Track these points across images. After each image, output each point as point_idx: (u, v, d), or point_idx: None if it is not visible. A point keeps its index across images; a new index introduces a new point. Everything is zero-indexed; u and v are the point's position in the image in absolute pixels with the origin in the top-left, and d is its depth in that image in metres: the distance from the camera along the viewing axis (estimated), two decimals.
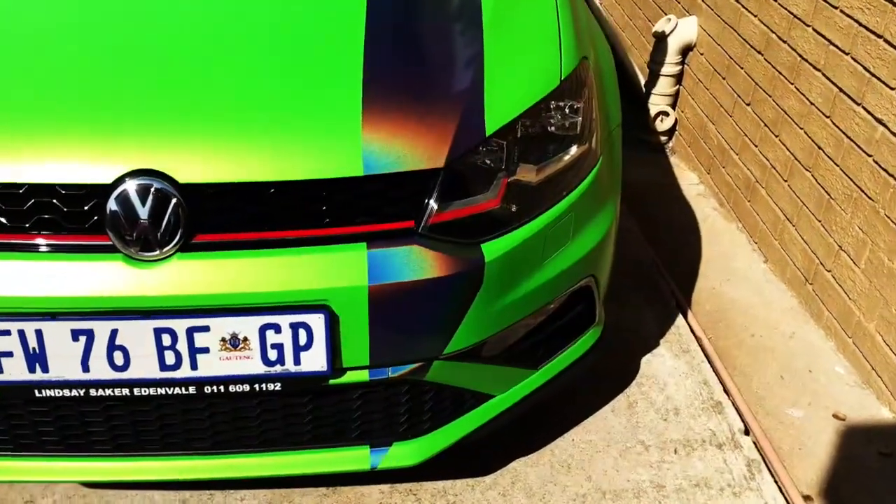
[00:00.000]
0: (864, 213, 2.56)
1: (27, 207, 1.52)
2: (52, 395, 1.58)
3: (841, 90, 2.68)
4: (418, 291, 1.60)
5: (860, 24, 2.57)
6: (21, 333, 1.52)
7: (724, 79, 3.52)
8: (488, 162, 1.69)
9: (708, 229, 3.38)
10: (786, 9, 3.01)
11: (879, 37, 2.48)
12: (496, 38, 1.83)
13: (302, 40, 1.73)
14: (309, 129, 1.58)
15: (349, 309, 1.58)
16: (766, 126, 3.17)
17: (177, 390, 1.60)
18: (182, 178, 1.52)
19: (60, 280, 1.51)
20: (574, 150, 1.83)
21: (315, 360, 1.59)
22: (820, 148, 2.81)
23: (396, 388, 1.72)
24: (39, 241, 1.53)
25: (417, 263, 1.60)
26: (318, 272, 1.56)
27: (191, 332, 1.55)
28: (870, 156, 2.53)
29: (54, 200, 1.52)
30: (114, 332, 1.53)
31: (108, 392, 1.58)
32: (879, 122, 2.48)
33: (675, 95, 3.99)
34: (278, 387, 1.62)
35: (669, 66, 3.89)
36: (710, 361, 2.55)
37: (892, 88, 2.43)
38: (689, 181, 3.76)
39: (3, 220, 1.52)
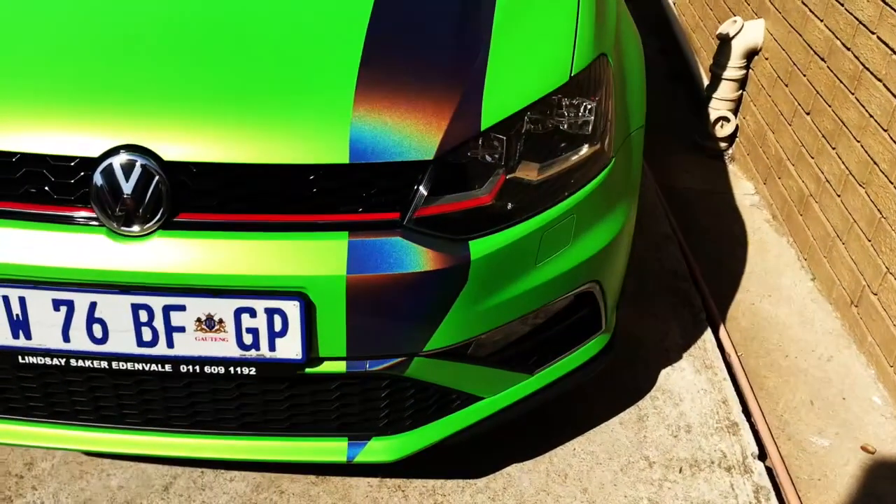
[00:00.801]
0: None
1: (18, 176, 1.55)
2: (36, 362, 1.60)
3: None
4: (399, 285, 1.56)
5: None
6: (5, 299, 1.55)
7: (786, 85, 3.36)
8: (485, 156, 1.64)
9: (757, 242, 3.24)
10: (851, 14, 2.85)
11: None
12: (507, 28, 1.77)
13: (303, 24, 1.71)
14: (297, 114, 1.55)
15: (326, 298, 1.55)
16: (824, 137, 3.01)
17: (154, 367, 1.60)
18: (167, 155, 1.52)
19: (44, 249, 1.53)
20: (583, 150, 1.76)
21: (290, 347, 1.57)
22: (875, 163, 2.65)
23: (376, 382, 1.68)
24: (27, 209, 1.55)
25: (399, 256, 1.56)
26: (296, 259, 1.53)
27: (167, 310, 1.54)
28: None
29: (44, 171, 1.54)
30: (93, 305, 1.54)
31: (88, 364, 1.60)
32: None
33: (738, 101, 3.84)
34: (253, 371, 1.60)
35: (732, 70, 3.74)
36: (734, 380, 2.44)
37: None
38: (745, 191, 3.61)
39: None
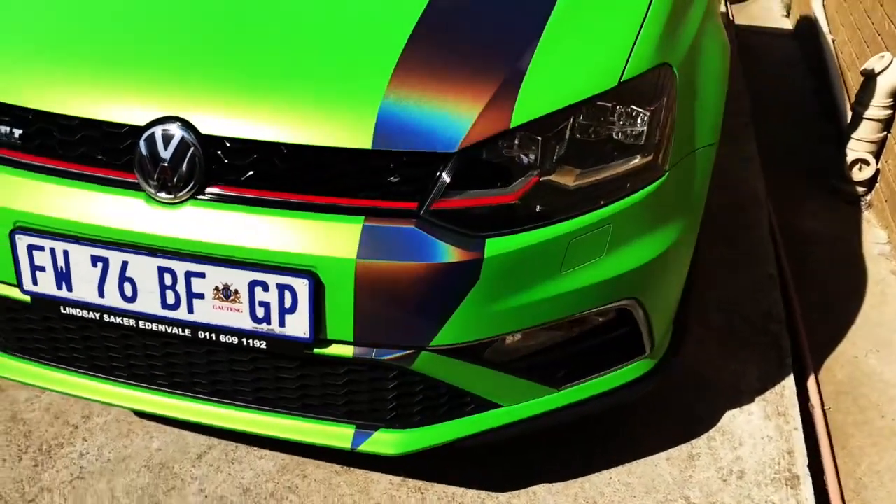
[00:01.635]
0: None
1: (76, 139, 1.66)
2: (75, 314, 1.71)
3: None
4: (408, 275, 1.55)
5: None
6: (52, 252, 1.66)
7: None
8: (518, 155, 1.60)
9: (877, 293, 2.98)
10: None
11: None
12: (564, 24, 1.73)
13: (354, 7, 1.75)
14: (327, 97, 1.58)
15: (335, 280, 1.56)
16: None
17: (175, 331, 1.66)
18: (203, 129, 1.59)
19: (90, 208, 1.63)
20: (632, 161, 1.69)
21: (299, 324, 1.59)
22: None
23: (384, 372, 1.67)
24: (81, 170, 1.67)
25: (411, 246, 1.55)
26: (309, 239, 1.56)
27: (189, 275, 1.61)
28: None
29: (98, 136, 1.65)
30: (125, 264, 1.63)
31: (119, 321, 1.68)
32: None
33: (880, 143, 3.56)
34: (264, 345, 1.64)
35: (876, 110, 3.47)
36: (811, 432, 2.24)
37: None
38: (876, 239, 3.33)
39: (56, 147, 1.68)
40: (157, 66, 1.64)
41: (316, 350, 1.63)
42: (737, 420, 2.21)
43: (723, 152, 3.75)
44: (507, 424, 1.78)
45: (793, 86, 4.92)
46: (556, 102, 1.61)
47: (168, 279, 1.62)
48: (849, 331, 2.77)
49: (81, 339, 1.79)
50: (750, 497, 1.98)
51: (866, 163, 3.56)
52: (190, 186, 1.59)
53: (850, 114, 3.95)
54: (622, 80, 1.67)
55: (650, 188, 1.71)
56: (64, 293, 1.69)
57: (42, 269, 1.68)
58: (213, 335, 1.65)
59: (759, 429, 2.18)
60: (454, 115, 1.57)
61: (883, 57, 3.45)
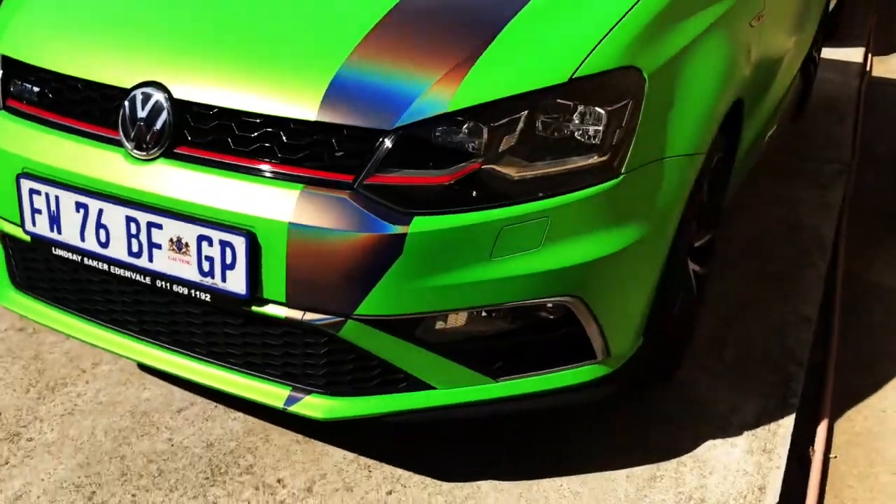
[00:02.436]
0: None
1: (78, 98, 1.86)
2: (63, 255, 1.89)
3: None
4: (335, 243, 1.63)
5: None
6: (47, 197, 1.86)
7: None
8: (462, 141, 1.65)
9: None
10: None
11: None
12: (533, 16, 1.78)
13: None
14: (285, 69, 1.71)
15: (270, 241, 1.66)
16: None
17: (138, 277, 1.81)
18: (177, 94, 1.75)
19: (80, 159, 1.82)
20: (582, 159, 1.70)
21: (237, 280, 1.70)
22: None
23: (315, 337, 1.75)
24: (78, 126, 1.86)
25: (341, 216, 1.63)
26: (250, 200, 1.67)
27: (150, 226, 1.75)
28: None
29: (95, 96, 1.84)
30: (100, 211, 1.80)
31: (96, 264, 1.85)
32: None
33: None
34: (208, 298, 1.75)
35: None
36: (803, 475, 2.12)
37: None
38: None
39: (62, 104, 1.89)
40: (147, 40, 1.84)
41: (253, 308, 1.73)
42: (716, 450, 2.12)
43: (803, 197, 3.65)
44: (440, 407, 1.80)
45: None
46: (499, 92, 1.66)
47: (133, 228, 1.77)
48: (886, 385, 2.58)
49: (71, 282, 1.97)
50: None
51: None
52: (160, 145, 1.75)
53: None
54: (573, 77, 1.69)
55: (599, 188, 1.72)
56: (55, 235, 1.88)
57: (39, 211, 1.88)
58: (168, 284, 1.78)
59: (737, 462, 2.08)
60: (400, 91, 1.65)
61: None
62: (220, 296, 1.74)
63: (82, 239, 1.84)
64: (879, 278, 3.21)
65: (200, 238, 1.71)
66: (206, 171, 1.72)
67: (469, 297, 1.69)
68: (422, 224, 1.63)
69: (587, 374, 1.87)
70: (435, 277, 1.66)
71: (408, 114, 1.63)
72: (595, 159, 1.72)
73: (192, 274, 1.75)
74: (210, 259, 1.72)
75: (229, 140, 1.72)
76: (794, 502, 2.08)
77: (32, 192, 1.87)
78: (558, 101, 1.69)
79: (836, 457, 2.29)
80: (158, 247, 1.76)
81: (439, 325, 1.73)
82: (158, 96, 1.75)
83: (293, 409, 1.79)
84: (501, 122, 1.66)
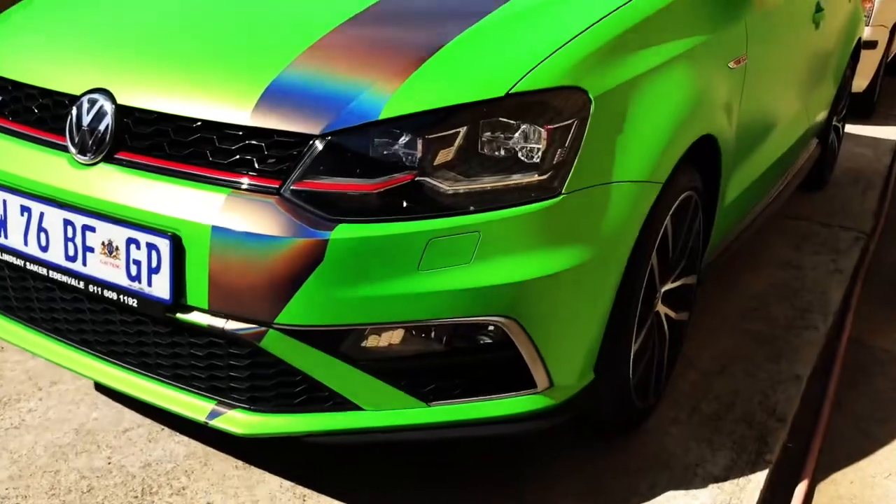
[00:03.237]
0: None
1: (34, 106, 1.90)
2: (7, 259, 1.90)
3: None
4: (255, 247, 1.60)
5: None
6: None
7: None
8: (388, 149, 1.63)
9: None
10: None
11: None
12: (483, 30, 1.79)
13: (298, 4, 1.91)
14: (224, 77, 1.72)
15: (193, 244, 1.64)
16: None
17: (74, 282, 1.80)
18: (121, 99, 1.77)
19: (27, 164, 1.84)
20: (522, 176, 1.66)
21: (162, 285, 1.68)
22: None
23: (239, 349, 1.70)
24: (31, 133, 1.89)
25: (264, 220, 1.60)
26: (176, 202, 1.66)
27: (84, 229, 1.75)
28: None
29: (49, 104, 1.88)
30: (42, 215, 1.80)
31: (37, 269, 1.85)
32: None
33: None
34: (135, 304, 1.73)
35: None
36: None
37: None
38: None
39: (20, 112, 1.93)
40: (101, 49, 1.89)
41: (178, 315, 1.70)
42: (675, 501, 1.99)
43: (814, 262, 3.52)
44: (367, 429, 1.73)
45: None
46: (432, 103, 1.63)
47: (70, 231, 1.77)
48: (879, 450, 2.41)
49: (16, 289, 1.97)
50: None
51: None
52: (101, 150, 1.76)
53: None
54: (511, 92, 1.66)
55: (536, 206, 1.66)
56: (1, 240, 1.89)
57: None
58: (101, 289, 1.77)
59: None
60: (334, 97, 1.65)
61: None
62: (145, 301, 1.71)
63: (25, 243, 1.85)
64: (888, 345, 3.05)
65: (129, 241, 1.70)
66: (141, 176, 1.72)
67: (395, 311, 1.63)
68: (345, 231, 1.59)
69: (527, 404, 1.78)
70: (358, 287, 1.61)
71: (338, 120, 1.62)
72: (534, 177, 1.67)
73: (121, 278, 1.73)
74: (138, 263, 1.70)
75: (165, 145, 1.73)
76: None
77: None
78: (497, 116, 1.66)
79: None
80: (91, 250, 1.75)
81: (366, 340, 1.67)
82: (103, 102, 1.77)
83: (214, 423, 1.74)
84: (436, 134, 1.64)
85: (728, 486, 2.06)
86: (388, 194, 1.62)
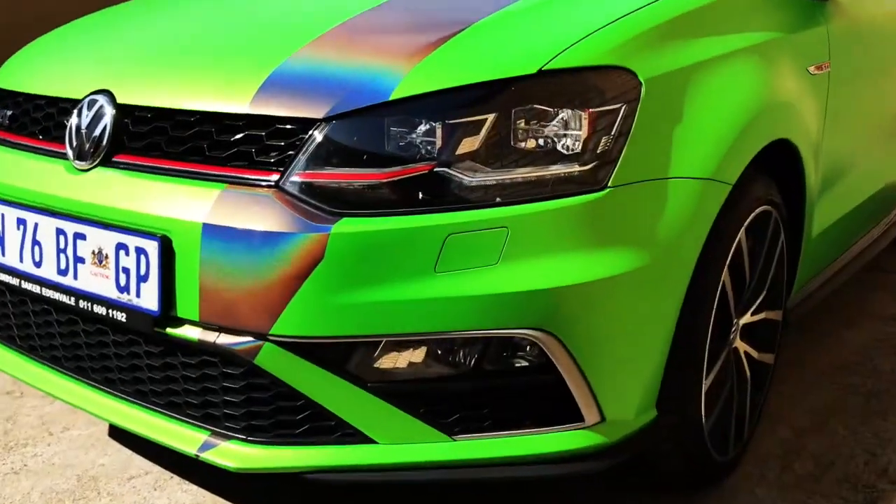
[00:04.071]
0: None
1: (40, 116, 1.78)
2: (7, 280, 1.74)
3: None
4: (249, 242, 1.39)
5: None
6: None
7: None
8: (401, 135, 1.42)
9: None
10: None
11: None
12: (517, 12, 1.58)
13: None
14: (225, 69, 1.57)
15: (184, 245, 1.45)
16: None
17: (65, 299, 1.62)
18: (121, 98, 1.62)
19: (26, 174, 1.71)
20: (558, 168, 1.43)
21: (150, 294, 1.48)
22: None
23: (234, 368, 1.47)
24: (35, 144, 1.77)
25: (260, 214, 1.40)
26: (166, 201, 1.48)
27: (76, 237, 1.58)
28: None
29: (53, 112, 1.75)
30: (36, 226, 1.65)
31: (31, 287, 1.69)
32: None
33: None
34: (123, 318, 1.53)
35: None
36: None
37: None
38: None
39: (27, 125, 1.81)
40: (105, 55, 1.78)
41: (168, 330, 1.50)
42: None
43: None
44: (380, 467, 1.46)
45: None
46: (449, 81, 1.43)
47: (62, 241, 1.61)
48: None
49: (18, 314, 1.81)
50: None
51: None
52: (98, 153, 1.61)
53: None
54: (543, 69, 1.44)
55: (576, 200, 1.42)
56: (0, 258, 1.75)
57: None
58: (91, 305, 1.58)
59: None
60: (341, 80, 1.46)
61: None
62: (134, 314, 1.52)
63: (21, 259, 1.69)
64: None
65: (118, 247, 1.52)
66: (136, 177, 1.55)
67: (409, 321, 1.39)
68: (349, 225, 1.38)
69: (573, 441, 1.49)
70: (364, 291, 1.38)
71: (344, 102, 1.42)
72: (574, 168, 1.44)
73: (110, 290, 1.54)
74: (126, 271, 1.51)
75: (163, 143, 1.56)
76: None
77: None
78: (530, 97, 1.43)
79: None
80: (82, 261, 1.58)
81: (377, 357, 1.43)
82: (103, 102, 1.63)
83: (205, 456, 1.50)
84: (459, 119, 1.42)
85: None
86: (400, 185, 1.40)
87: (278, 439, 1.48)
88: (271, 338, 1.41)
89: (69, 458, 2.01)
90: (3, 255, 1.73)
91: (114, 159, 1.61)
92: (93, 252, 1.56)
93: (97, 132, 1.62)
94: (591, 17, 1.57)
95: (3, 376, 2.34)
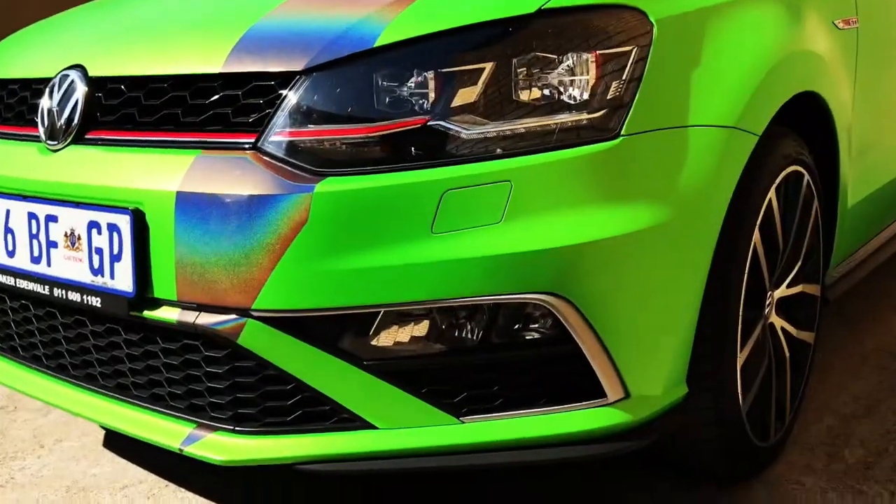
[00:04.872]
0: None
1: (15, 101, 1.68)
2: None
3: None
4: (226, 208, 1.27)
5: None
6: None
7: None
8: (388, 86, 1.29)
9: None
10: None
11: None
12: None
13: None
14: (199, 33, 1.46)
15: (158, 217, 1.32)
16: None
17: (39, 289, 1.51)
18: (92, 71, 1.51)
19: (3, 161, 1.61)
20: (565, 117, 1.29)
21: (124, 275, 1.36)
22: None
23: (216, 350, 1.34)
24: (10, 130, 1.66)
25: (237, 178, 1.28)
26: (138, 172, 1.36)
27: (47, 220, 1.47)
28: None
29: (27, 95, 1.65)
30: (7, 213, 1.54)
31: (6, 280, 1.57)
32: None
33: None
34: (98, 304, 1.41)
35: None
36: None
37: None
38: None
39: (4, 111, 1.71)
40: (81, 36, 1.67)
41: (144, 313, 1.37)
42: None
43: None
44: (379, 454, 1.32)
45: None
46: (441, 25, 1.30)
47: (34, 226, 1.49)
48: None
49: None
50: None
51: None
52: (70, 131, 1.50)
53: None
54: (543, 8, 1.31)
55: (586, 149, 1.28)
56: None
57: None
58: (65, 292, 1.46)
59: None
60: (321, 30, 1.34)
61: None
62: (108, 298, 1.39)
63: None
64: None
65: (90, 225, 1.40)
66: (108, 151, 1.44)
67: (405, 288, 1.25)
68: (334, 184, 1.24)
69: (595, 419, 1.33)
70: (355, 256, 1.24)
71: (324, 51, 1.30)
72: (583, 116, 1.30)
73: (83, 274, 1.42)
74: (100, 251, 1.39)
75: (136, 113, 1.45)
76: None
77: None
78: (530, 41, 1.30)
79: None
80: (55, 245, 1.46)
81: (371, 331, 1.29)
82: (74, 77, 1.52)
83: (189, 450, 1.36)
84: (452, 68, 1.29)
85: None
86: (390, 140, 1.27)
87: (268, 428, 1.34)
88: (255, 313, 1.28)
89: (59, 470, 1.88)
90: None
91: (86, 136, 1.50)
92: (65, 234, 1.44)
93: (68, 109, 1.51)
94: None
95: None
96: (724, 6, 1.51)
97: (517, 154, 1.26)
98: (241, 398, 1.35)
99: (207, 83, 1.37)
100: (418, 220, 1.24)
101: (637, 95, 1.33)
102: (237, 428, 1.36)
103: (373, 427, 1.32)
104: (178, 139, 1.38)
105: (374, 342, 1.30)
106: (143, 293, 1.36)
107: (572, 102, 1.31)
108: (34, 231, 1.50)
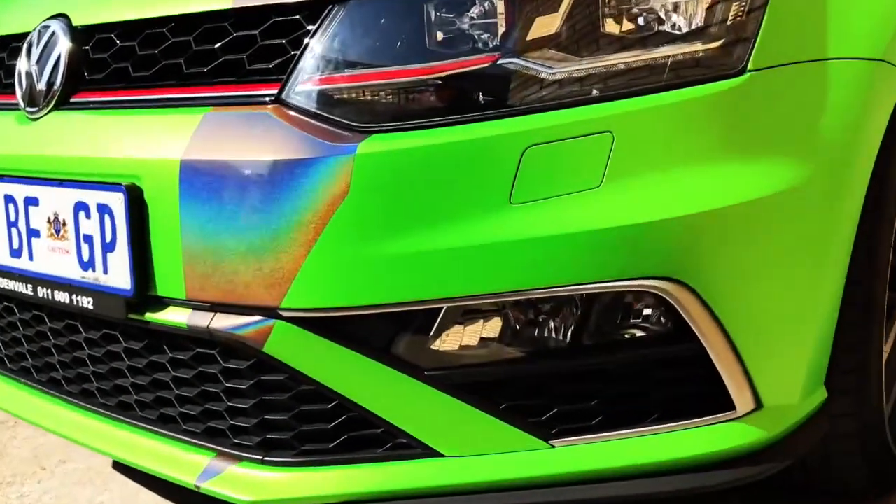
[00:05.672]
0: None
1: None
2: None
3: None
4: (246, 178, 0.98)
5: None
6: None
7: None
8: (453, 19, 1.00)
9: None
10: None
11: None
12: None
13: None
14: None
15: (159, 193, 1.04)
16: None
17: (21, 288, 1.23)
18: (77, 20, 1.23)
19: None
20: (676, 48, 1.00)
21: (120, 269, 1.08)
22: None
23: (238, 360, 1.06)
24: None
25: (258, 140, 0.99)
26: (135, 139, 1.08)
27: (27, 203, 1.19)
28: None
29: (4, 56, 1.38)
30: None
31: None
32: None
33: None
34: (91, 305, 1.13)
35: None
36: None
37: None
38: None
39: None
40: None
41: (146, 315, 1.09)
42: None
43: None
44: (450, 490, 1.03)
45: None
46: None
47: (12, 212, 1.22)
48: None
49: None
50: None
51: None
52: (52, 94, 1.23)
53: None
54: None
55: (705, 88, 0.99)
56: None
57: None
58: (50, 292, 1.19)
59: None
60: None
61: None
62: (102, 298, 1.12)
63: None
64: None
65: (77, 207, 1.12)
66: (97, 115, 1.16)
67: (477, 277, 0.96)
68: (381, 142, 0.96)
69: (721, 438, 1.03)
70: (410, 236, 0.95)
71: None
72: (697, 47, 1.00)
73: (71, 269, 1.15)
74: (89, 240, 1.12)
75: (130, 67, 1.17)
76: None
77: None
78: None
79: None
80: (37, 234, 1.19)
81: (437, 334, 1.01)
82: (56, 28, 1.24)
83: (207, 487, 1.08)
84: None
85: None
86: (451, 84, 0.98)
87: (305, 458, 1.06)
88: (284, 313, 0.99)
89: (61, 497, 1.63)
90: None
91: (71, 100, 1.22)
92: (48, 220, 1.17)
93: (49, 67, 1.24)
94: None
95: None
96: None
97: (618, 97, 0.97)
98: (271, 420, 1.07)
99: (216, 22, 1.08)
100: (492, 187, 0.95)
101: (764, 20, 1.03)
102: (266, 458, 1.07)
103: (438, 454, 1.04)
104: (181, 95, 1.09)
105: (435, 347, 1.01)
106: (144, 291, 1.08)
107: (682, 32, 1.01)
108: (12, 218, 1.23)
